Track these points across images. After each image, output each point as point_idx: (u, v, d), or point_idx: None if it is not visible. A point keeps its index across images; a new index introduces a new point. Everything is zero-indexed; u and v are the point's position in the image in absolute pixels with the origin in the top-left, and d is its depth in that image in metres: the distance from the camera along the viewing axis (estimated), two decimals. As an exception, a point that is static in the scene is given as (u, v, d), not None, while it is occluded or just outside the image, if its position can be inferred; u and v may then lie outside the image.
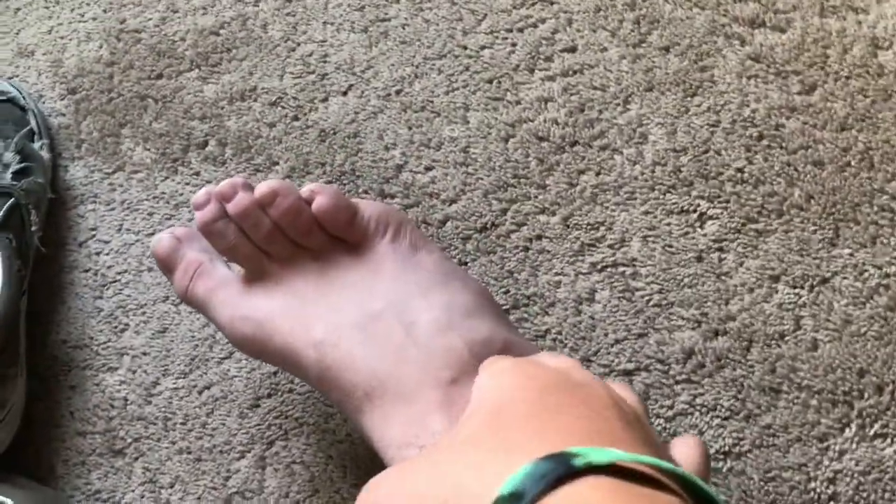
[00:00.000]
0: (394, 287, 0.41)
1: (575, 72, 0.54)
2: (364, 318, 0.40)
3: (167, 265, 0.45)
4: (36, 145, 0.59)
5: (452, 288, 0.42)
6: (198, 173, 0.59)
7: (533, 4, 0.57)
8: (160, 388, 0.53)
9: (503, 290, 0.51)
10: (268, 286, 0.43)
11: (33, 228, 0.55)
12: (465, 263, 0.52)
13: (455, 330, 0.40)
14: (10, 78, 0.65)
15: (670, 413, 0.46)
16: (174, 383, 0.53)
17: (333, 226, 0.43)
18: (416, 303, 0.41)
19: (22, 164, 0.57)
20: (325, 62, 0.60)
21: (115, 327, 0.56)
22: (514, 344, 0.40)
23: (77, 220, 0.59)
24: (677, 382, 0.46)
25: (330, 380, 0.40)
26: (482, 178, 0.54)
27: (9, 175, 0.56)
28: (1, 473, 0.49)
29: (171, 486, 0.51)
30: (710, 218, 0.49)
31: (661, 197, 0.50)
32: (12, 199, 0.54)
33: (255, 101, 0.60)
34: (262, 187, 0.42)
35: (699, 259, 0.48)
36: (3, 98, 0.61)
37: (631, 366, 0.47)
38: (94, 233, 0.59)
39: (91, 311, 0.56)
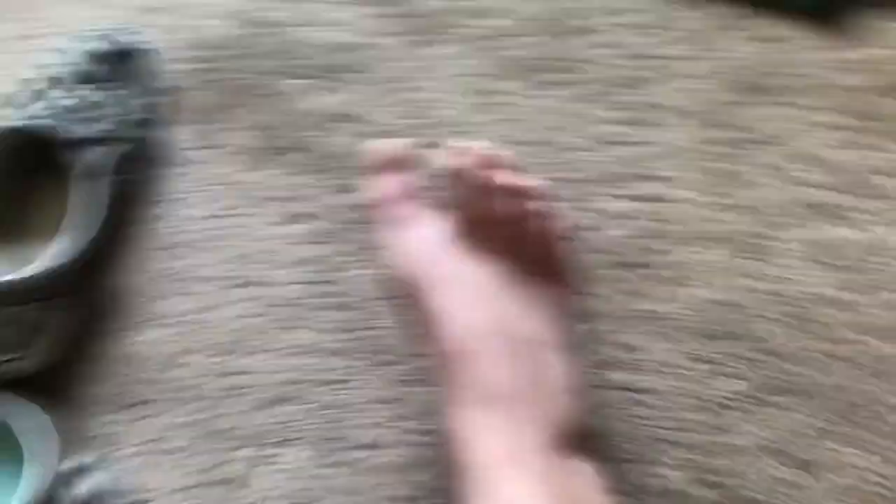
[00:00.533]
0: (551, 329, 0.44)
1: (652, 199, 0.58)
2: (516, 341, 0.43)
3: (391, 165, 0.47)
4: (159, 101, 0.64)
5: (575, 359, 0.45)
6: (284, 174, 0.63)
7: (634, 125, 0.61)
8: (186, 361, 0.57)
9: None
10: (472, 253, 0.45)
11: (132, 176, 0.59)
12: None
13: (580, 399, 0.44)
14: (141, 31, 0.69)
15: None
16: (200, 360, 0.57)
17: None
18: (559, 358, 0.44)
19: (145, 116, 0.61)
20: (429, 111, 0.64)
21: (167, 289, 0.60)
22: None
23: (164, 179, 0.64)
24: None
25: (454, 370, 0.42)
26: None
27: (129, 121, 0.60)
28: (23, 394, 0.52)
29: (167, 454, 0.55)
30: (726, 376, 0.52)
31: (691, 341, 0.53)
32: (128, 146, 0.59)
33: (354, 125, 0.64)
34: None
35: (704, 409, 0.52)
36: (144, 50, 0.65)
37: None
38: (179, 196, 0.63)
39: (152, 266, 0.61)
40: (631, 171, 0.59)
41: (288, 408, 0.55)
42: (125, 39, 0.65)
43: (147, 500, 0.53)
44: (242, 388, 0.56)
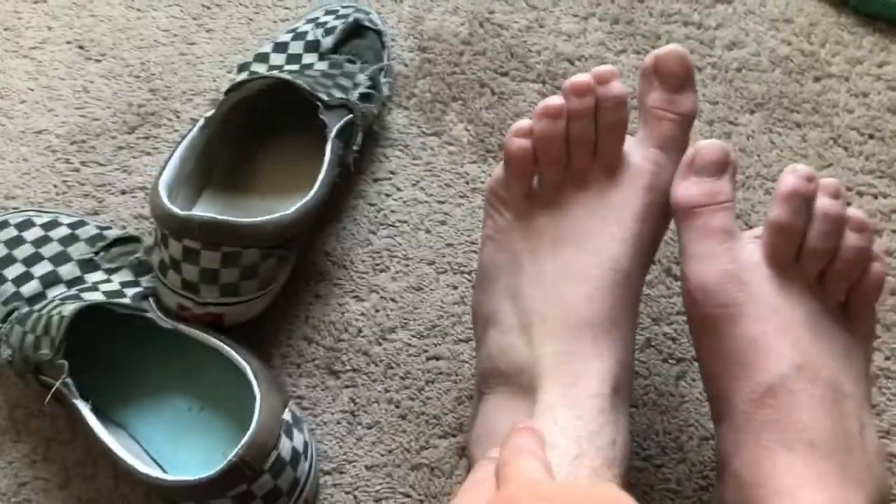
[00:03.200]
0: (857, 381, 0.41)
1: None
2: (828, 387, 0.39)
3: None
4: (382, 80, 0.63)
5: None
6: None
7: (882, 177, 0.58)
8: (394, 337, 0.55)
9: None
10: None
11: (355, 147, 0.58)
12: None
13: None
14: (378, 14, 0.69)
15: None
16: (409, 339, 0.55)
17: None
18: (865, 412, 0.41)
19: (368, 91, 0.61)
20: (659, 133, 0.62)
21: (377, 265, 0.58)
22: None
23: (382, 158, 0.63)
24: None
25: (768, 407, 0.39)
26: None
27: (356, 94, 0.60)
28: (239, 342, 0.52)
29: (369, 427, 0.53)
30: None
31: None
32: (351, 115, 0.58)
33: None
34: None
35: None
36: (374, 29, 0.65)
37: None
38: (392, 176, 0.62)
39: (361, 240, 0.59)
40: (880, 223, 0.56)
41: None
42: (360, 17, 0.65)
43: (342, 470, 0.51)
44: (449, 374, 0.54)
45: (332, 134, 0.56)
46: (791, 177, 0.40)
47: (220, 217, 0.49)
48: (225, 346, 0.50)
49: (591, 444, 0.35)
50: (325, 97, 0.56)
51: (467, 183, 0.61)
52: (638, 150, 0.44)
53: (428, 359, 0.55)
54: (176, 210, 0.49)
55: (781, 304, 0.40)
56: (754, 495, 0.37)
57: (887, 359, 0.52)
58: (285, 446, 0.46)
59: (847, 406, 0.38)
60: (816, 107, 0.61)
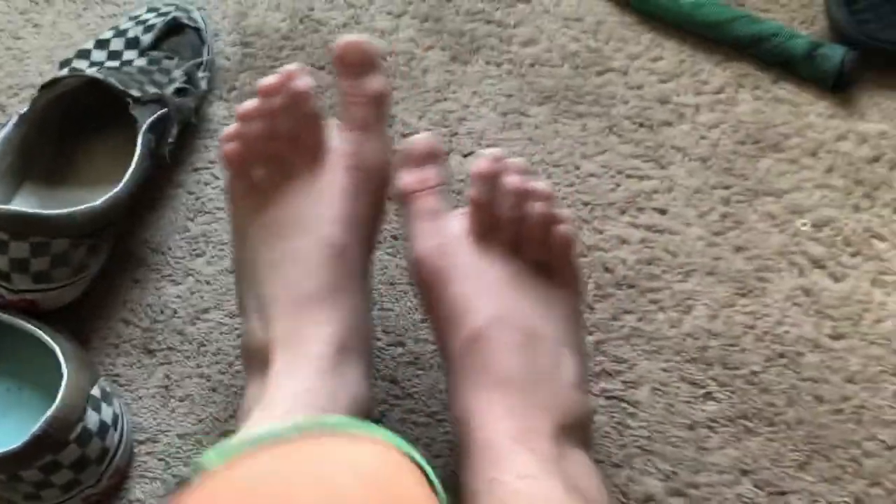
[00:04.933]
0: (558, 326, 0.47)
1: (657, 230, 0.62)
2: (528, 333, 0.46)
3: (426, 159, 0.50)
4: (200, 75, 0.67)
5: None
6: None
7: (647, 161, 0.65)
8: (207, 318, 0.60)
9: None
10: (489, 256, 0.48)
11: (169, 140, 0.62)
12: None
13: (584, 393, 0.48)
14: (200, 9, 0.73)
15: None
16: (221, 319, 0.60)
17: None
18: (573, 357, 0.48)
19: (184, 86, 0.65)
20: (460, 123, 0.68)
21: (193, 250, 0.62)
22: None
23: (202, 149, 0.67)
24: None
25: (471, 355, 0.45)
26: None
27: (171, 89, 0.63)
28: (54, 325, 0.56)
29: (181, 400, 0.57)
30: (714, 399, 0.56)
31: (682, 363, 0.57)
32: (165, 110, 0.62)
33: (390, 127, 0.68)
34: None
35: (690, 427, 0.55)
36: (193, 26, 0.69)
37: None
38: (210, 166, 0.66)
39: (179, 227, 0.63)
40: (644, 202, 0.63)
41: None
42: (180, 15, 0.69)
43: (156, 440, 0.55)
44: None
45: (143, 128, 0.59)
46: (482, 160, 0.48)
47: (25, 210, 0.52)
48: (36, 330, 0.54)
49: (303, 400, 0.41)
50: (136, 93, 0.60)
51: (281, 172, 0.66)
52: (338, 135, 0.49)
53: (238, 336, 0.59)
54: (-19, 204, 0.52)
55: (483, 267, 0.47)
56: (464, 432, 0.44)
57: (640, 320, 0.59)
58: (92, 419, 0.51)
59: (541, 347, 0.46)
60: (597, 98, 0.68)
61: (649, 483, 0.54)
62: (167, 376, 0.58)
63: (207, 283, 0.61)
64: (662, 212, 0.63)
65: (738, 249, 0.61)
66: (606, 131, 0.67)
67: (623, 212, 0.63)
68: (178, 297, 0.61)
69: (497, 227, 0.48)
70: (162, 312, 0.60)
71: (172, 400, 0.57)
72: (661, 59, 0.70)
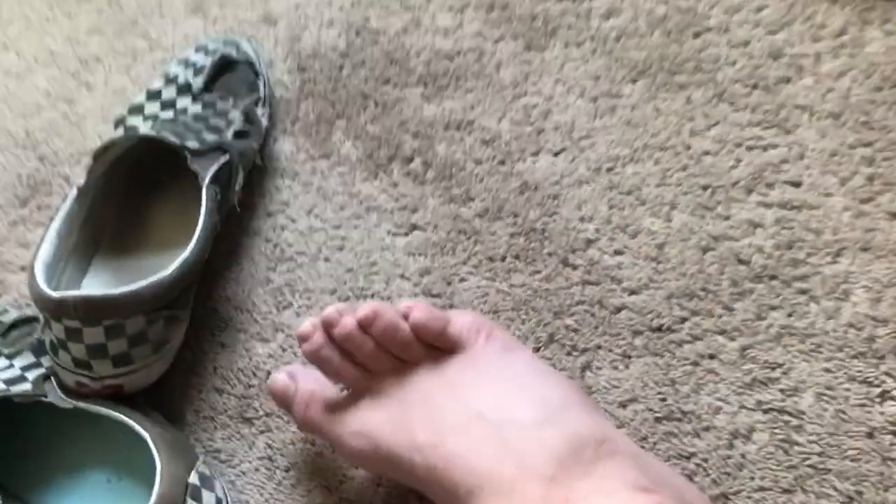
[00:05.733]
0: (490, 386, 0.44)
1: (793, 207, 0.54)
2: (463, 419, 0.42)
3: (284, 401, 0.50)
4: (259, 111, 0.62)
5: (547, 382, 0.45)
6: (396, 184, 0.60)
7: (769, 128, 0.57)
8: (303, 375, 0.55)
9: (660, 396, 0.50)
10: (373, 399, 0.46)
11: (237, 188, 0.58)
12: (629, 357, 0.52)
13: (552, 423, 0.41)
14: (250, 38, 0.68)
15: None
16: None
17: (429, 336, 0.46)
18: (512, 400, 0.43)
19: (244, 127, 0.60)
20: (545, 118, 0.61)
21: (279, 302, 0.58)
22: (611, 437, 0.41)
23: (273, 191, 0.62)
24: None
25: (434, 480, 0.42)
26: (669, 280, 0.53)
27: (230, 133, 0.59)
28: (142, 407, 0.52)
29: (287, 471, 0.52)
30: (893, 398, 0.47)
31: (848, 360, 0.49)
32: (227, 157, 0.57)
33: (469, 134, 0.61)
34: (364, 310, 0.46)
35: (870, 436, 0.47)
36: (245, 60, 0.64)
37: (769, 518, 0.46)
38: (284, 207, 0.61)
39: (261, 279, 0.59)
40: (772, 176, 0.55)
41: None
42: (228, 51, 0.64)
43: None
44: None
45: (206, 181, 0.55)
46: (302, 343, 0.47)
47: (92, 293, 0.48)
48: (124, 418, 0.50)
49: None
50: (194, 144, 0.56)
51: (361, 202, 0.60)
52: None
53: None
54: (49, 291, 0.49)
55: (388, 405, 0.45)
56: None
57: (790, 315, 0.51)
58: (195, 510, 0.46)
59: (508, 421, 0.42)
60: (698, 65, 0.60)
61: (831, 508, 0.46)
62: (269, 445, 0.53)
63: (298, 336, 0.56)
64: (796, 184, 0.54)
65: (894, 216, 0.52)
66: (715, 100, 0.58)
67: (750, 191, 0.55)
68: (270, 356, 0.56)
69: (364, 366, 0.47)
70: (255, 375, 0.56)
71: (278, 471, 0.53)
72: (765, 8, 0.61)
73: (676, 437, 0.49)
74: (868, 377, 0.48)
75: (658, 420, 0.50)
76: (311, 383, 0.49)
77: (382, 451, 0.44)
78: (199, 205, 0.54)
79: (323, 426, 0.47)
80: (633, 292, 0.54)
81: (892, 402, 0.47)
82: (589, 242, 0.56)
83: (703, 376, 0.50)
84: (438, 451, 0.42)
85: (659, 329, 0.52)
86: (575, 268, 0.55)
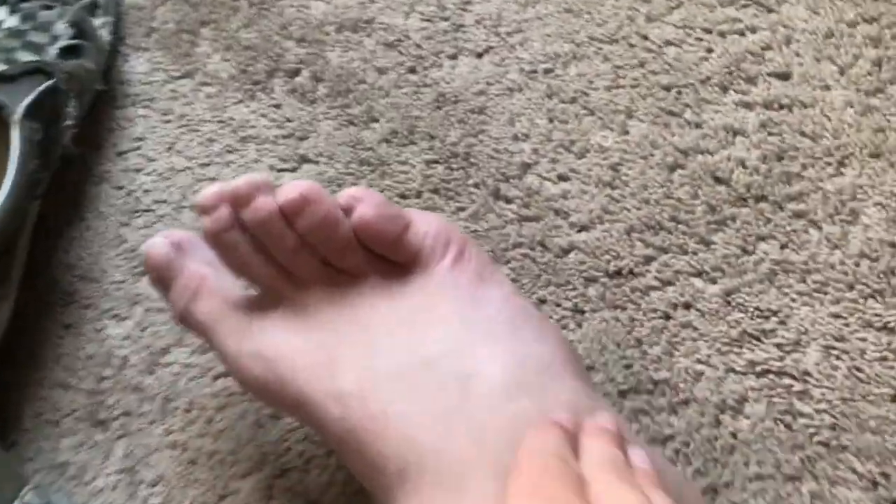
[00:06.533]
0: (451, 327, 0.32)
1: (782, 106, 0.42)
2: (408, 367, 0.31)
3: (161, 278, 0.36)
4: (97, 22, 0.49)
5: (527, 334, 0.32)
6: (279, 106, 0.47)
7: (745, 6, 0.44)
8: (169, 360, 0.43)
9: (624, 362, 0.39)
10: (287, 316, 0.33)
11: (68, 122, 0.44)
12: (582, 312, 0.40)
13: (528, 392, 0.30)
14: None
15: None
16: (188, 358, 0.43)
17: (378, 243, 0.33)
18: (478, 350, 0.31)
19: (73, 41, 0.46)
20: (464, 10, 0.48)
21: (135, 267, 0.45)
22: (602, 417, 0.30)
23: (124, 123, 0.49)
24: (828, 555, 0.35)
25: (354, 446, 0.30)
26: (629, 210, 0.42)
27: (54, 50, 0.45)
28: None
29: (153, 486, 0.41)
30: (922, 348, 0.37)
31: (862, 302, 0.38)
32: (51, 81, 0.43)
33: (369, 36, 0.48)
34: (289, 191, 0.32)
35: (894, 399, 0.36)
36: (73, -44, 0.49)
37: (770, 514, 0.36)
38: (139, 144, 0.48)
39: (112, 238, 0.46)
40: (753, 67, 0.43)
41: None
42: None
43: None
44: (243, 392, 0.42)
45: (18, 114, 0.41)
46: (203, 216, 0.33)
47: None
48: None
49: None
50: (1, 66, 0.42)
51: (235, 132, 0.47)
52: None
53: (215, 378, 0.42)
54: None
55: (307, 329, 0.33)
56: None
57: (784, 247, 0.40)
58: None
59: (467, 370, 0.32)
60: (653, -69, 0.47)
61: (849, 496, 0.35)
62: (129, 454, 0.42)
63: (161, 310, 0.44)
64: (784, 76, 0.43)
65: (911, 109, 0.41)
66: (676, -25, 0.46)
67: (725, 89, 0.43)
68: (126, 338, 0.44)
69: (281, 268, 0.34)
70: (108, 364, 0.43)
71: (142, 487, 0.41)
72: None
73: (647, 416, 0.38)
74: (889, 322, 0.37)
75: (622, 394, 0.39)
76: (205, 266, 0.36)
77: (290, 390, 0.32)
78: (9, 146, 0.41)
79: (212, 331, 0.34)
80: (583, 228, 0.42)
81: (920, 352, 0.37)
82: (525, 167, 0.44)
83: (678, 333, 0.39)
84: (366, 406, 0.30)
85: (618, 274, 0.41)
86: (509, 201, 0.43)
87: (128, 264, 0.45)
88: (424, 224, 0.34)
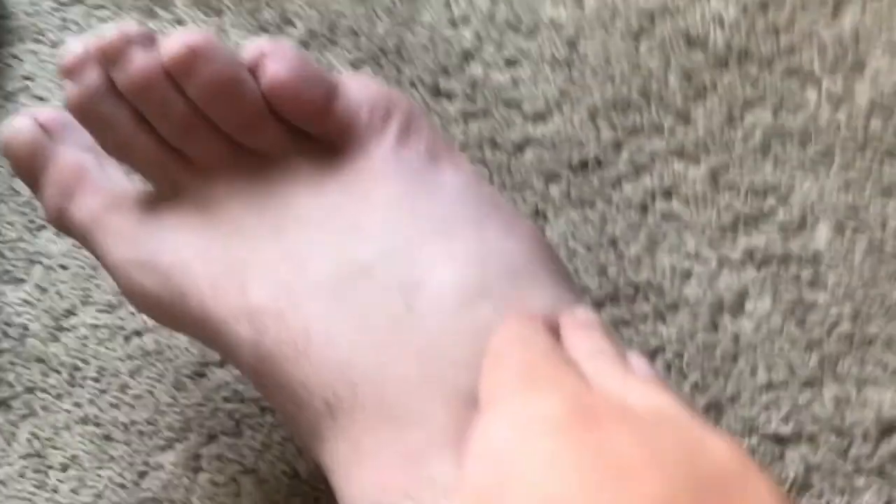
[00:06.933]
0: (394, 223, 0.25)
1: (762, -54, 0.35)
2: (338, 275, 0.24)
3: (28, 169, 0.29)
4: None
5: (492, 229, 0.25)
6: (180, 21, 0.41)
7: None
8: (74, 322, 0.37)
9: (598, 267, 0.33)
10: (186, 213, 0.27)
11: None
12: (544, 216, 0.34)
13: (490, 298, 0.23)
14: None
15: (840, 517, 0.28)
16: (95, 318, 0.37)
17: (297, 113, 0.26)
18: (428, 250, 0.24)
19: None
20: None
21: (32, 222, 0.39)
22: (584, 313, 0.25)
23: (9, 61, 0.42)
24: (860, 471, 0.28)
25: (271, 375, 0.24)
26: (591, 90, 0.35)
27: None
28: None
29: (64, 470, 0.35)
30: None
31: (876, 163, 0.31)
32: None
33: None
34: (173, 44, 0.25)
35: (923, 278, 0.30)
36: None
37: (786, 430, 0.29)
38: (28, 83, 0.42)
39: (4, 190, 0.40)
40: None
41: (227, 374, 0.35)
42: None
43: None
44: (159, 352, 0.36)
45: None
46: (66, 80, 0.26)
47: None
48: None
49: None
50: None
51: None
52: None
53: (126, 338, 0.36)
54: None
55: (208, 228, 0.27)
56: None
57: (777, 111, 0.33)
58: None
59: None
60: None
61: (882, 398, 0.29)
62: (35, 436, 0.36)
63: (63, 267, 0.38)
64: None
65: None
66: None
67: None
68: (25, 301, 0.38)
69: (173, 148, 0.27)
70: (6, 335, 0.37)
71: (52, 472, 0.35)
72: None
73: (630, 326, 0.32)
74: (912, 185, 0.31)
75: (599, 304, 0.32)
76: (84, 153, 0.29)
77: (190, 307, 0.26)
78: None
79: (93, 236, 0.28)
80: (539, 118, 0.35)
81: (954, 217, 0.30)
82: (467, 56, 0.37)
83: (659, 226, 0.33)
84: (285, 325, 0.24)
85: (583, 166, 0.34)
86: (451, 97, 0.37)
87: (23, 219, 0.39)
88: (358, 90, 0.27)
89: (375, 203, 0.25)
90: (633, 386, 0.19)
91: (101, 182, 0.28)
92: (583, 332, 0.23)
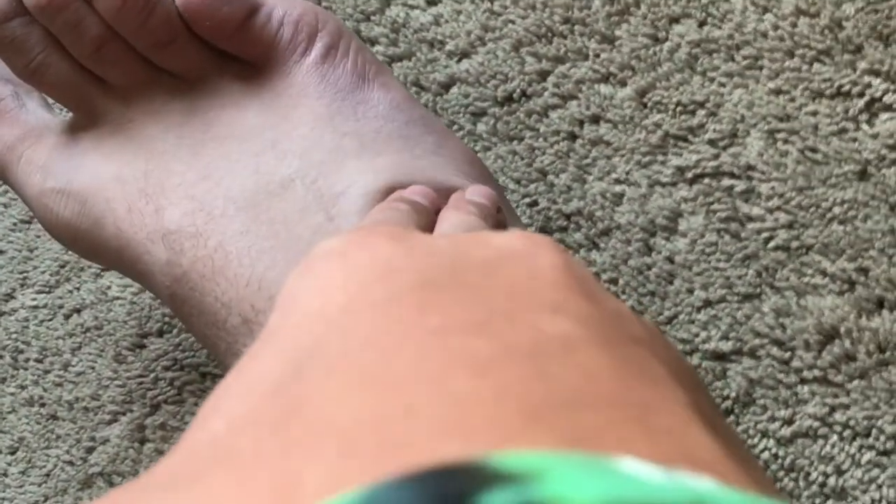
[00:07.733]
0: (316, 140, 0.25)
1: None
2: (256, 193, 0.24)
3: None
4: None
5: (420, 146, 0.26)
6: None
7: None
8: (14, 306, 0.36)
9: (528, 200, 0.32)
10: (102, 138, 0.26)
11: None
12: (473, 151, 0.33)
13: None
14: None
15: (786, 431, 0.28)
16: (34, 300, 0.36)
17: (214, 30, 0.25)
18: (352, 164, 0.24)
19: None
20: None
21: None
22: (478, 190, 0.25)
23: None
24: (803, 381, 0.28)
25: (188, 297, 0.24)
26: (514, 22, 0.34)
27: None
28: None
29: (13, 453, 0.35)
30: (888, 108, 0.29)
31: (805, 68, 0.30)
32: None
33: None
34: None
35: (862, 175, 0.29)
36: None
37: (727, 346, 0.29)
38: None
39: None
40: None
41: (167, 342, 0.34)
42: None
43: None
44: (98, 327, 0.35)
45: None
46: None
47: None
48: None
49: None
50: None
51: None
52: None
53: (66, 316, 0.36)
54: None
55: (124, 150, 0.26)
56: None
57: (703, 24, 0.32)
58: None
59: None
60: None
61: (822, 304, 0.28)
62: (-17, 420, 0.35)
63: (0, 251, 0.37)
64: None
65: None
66: None
67: None
68: (-37, 289, 0.37)
69: (87, 70, 0.26)
70: (-55, 323, 0.37)
71: (0, 456, 0.35)
72: None
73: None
74: (842, 85, 0.30)
75: (531, 237, 0.31)
76: None
77: (106, 234, 0.26)
78: None
79: (8, 165, 0.27)
80: (463, 56, 0.34)
81: (888, 114, 0.29)
82: (388, -1, 0.36)
83: (587, 153, 0.32)
84: (201, 244, 0.24)
85: (509, 99, 0.33)
86: (373, 42, 0.36)
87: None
88: (282, 6, 0.26)
89: (296, 121, 0.25)
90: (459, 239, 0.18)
91: (16, 113, 0.27)
92: (458, 211, 0.22)
